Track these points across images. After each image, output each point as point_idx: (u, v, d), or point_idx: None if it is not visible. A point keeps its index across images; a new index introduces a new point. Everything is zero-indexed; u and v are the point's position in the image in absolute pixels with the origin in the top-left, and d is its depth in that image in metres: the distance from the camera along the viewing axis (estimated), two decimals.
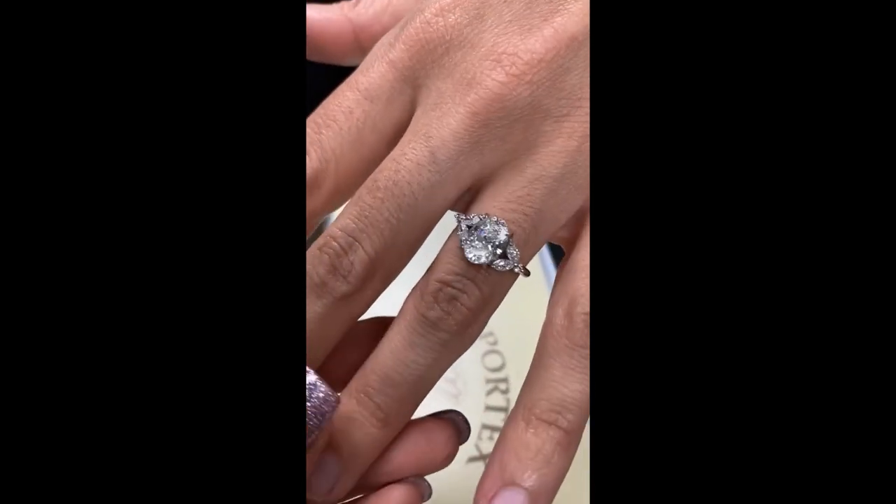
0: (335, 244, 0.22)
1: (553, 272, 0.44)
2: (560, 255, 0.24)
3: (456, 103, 0.22)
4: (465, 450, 0.39)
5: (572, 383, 0.21)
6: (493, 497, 0.22)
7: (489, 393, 0.40)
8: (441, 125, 0.22)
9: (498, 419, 0.40)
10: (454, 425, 0.25)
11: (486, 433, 0.39)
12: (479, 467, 0.38)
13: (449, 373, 0.43)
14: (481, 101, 0.22)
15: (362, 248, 0.22)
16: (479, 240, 0.22)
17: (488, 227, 0.22)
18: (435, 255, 0.23)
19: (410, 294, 0.23)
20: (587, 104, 0.22)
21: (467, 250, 0.22)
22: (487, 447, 0.39)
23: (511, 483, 0.22)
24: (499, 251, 0.21)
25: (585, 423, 0.22)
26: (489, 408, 0.40)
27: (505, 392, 0.41)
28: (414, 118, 0.23)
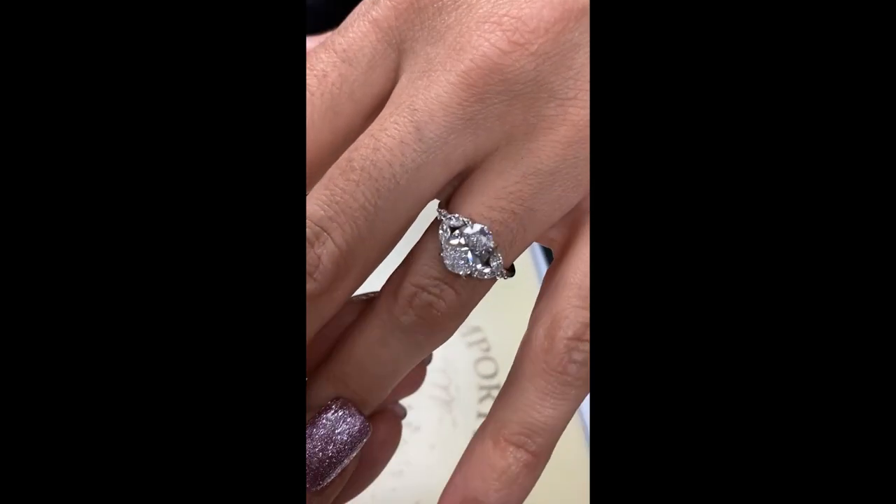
0: None
1: None
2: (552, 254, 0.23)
3: (447, 71, 0.19)
4: (457, 457, 0.38)
5: (545, 409, 0.20)
6: None
7: (482, 400, 0.40)
8: (429, 96, 0.19)
9: None
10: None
11: None
12: None
13: (441, 379, 0.43)
14: (477, 71, 0.19)
15: (332, 239, 0.19)
16: (462, 246, 0.19)
17: (471, 232, 0.19)
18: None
19: (384, 290, 0.21)
20: None
21: (447, 258, 0.19)
22: None
23: (473, 500, 0.21)
24: (480, 262, 0.19)
25: (555, 444, 0.21)
26: (482, 415, 0.40)
27: None
28: (397, 87, 0.20)
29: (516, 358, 0.21)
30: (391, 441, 0.24)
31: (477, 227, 0.19)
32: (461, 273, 0.19)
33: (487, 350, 0.41)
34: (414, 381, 0.26)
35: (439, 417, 0.40)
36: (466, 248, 0.19)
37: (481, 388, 0.40)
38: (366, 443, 0.21)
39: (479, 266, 0.19)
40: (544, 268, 0.44)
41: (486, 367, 0.41)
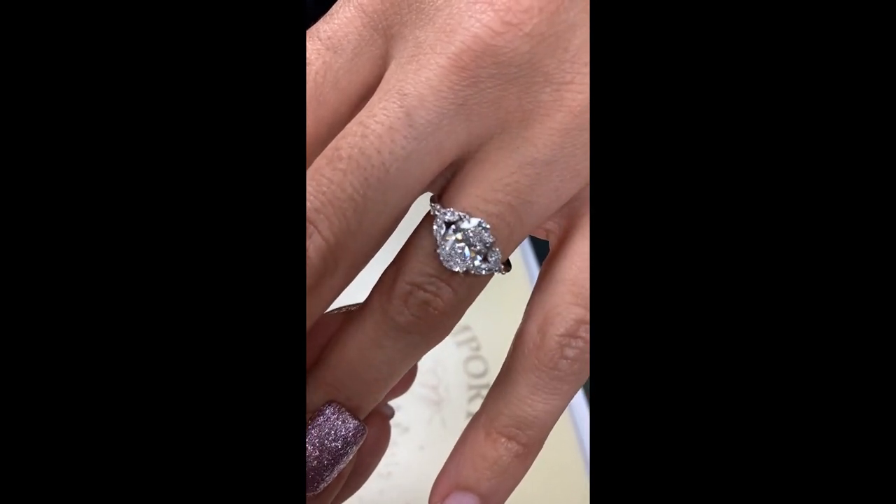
0: None
1: (537, 272, 0.44)
2: (544, 252, 0.22)
3: (437, 54, 0.18)
4: (446, 457, 0.38)
5: (537, 403, 0.20)
6: (445, 498, 0.21)
7: (471, 399, 0.40)
8: (419, 80, 0.18)
9: None
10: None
11: None
12: None
13: (431, 379, 0.43)
14: (469, 53, 0.18)
15: (319, 232, 0.18)
16: (459, 242, 0.19)
17: (468, 227, 0.18)
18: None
19: (377, 289, 0.20)
20: None
21: (443, 254, 0.19)
22: None
23: (465, 488, 0.21)
24: (479, 257, 0.19)
25: (546, 437, 0.21)
26: (471, 415, 0.39)
27: None
28: (387, 73, 0.19)
29: (509, 352, 0.21)
30: (380, 444, 0.24)
31: (475, 221, 0.18)
32: (458, 270, 0.19)
33: (477, 349, 0.41)
34: (404, 382, 0.25)
35: (428, 418, 0.39)
36: (464, 244, 0.19)
37: (471, 387, 0.40)
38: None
39: (476, 262, 0.19)
40: (534, 265, 0.44)
41: (476, 367, 0.41)
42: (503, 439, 0.21)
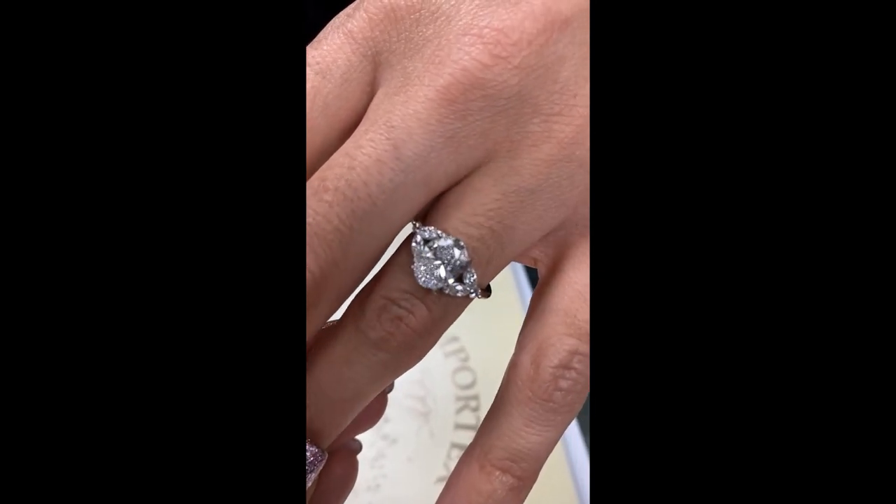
0: None
1: (526, 287, 0.44)
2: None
3: (425, 86, 0.18)
4: (435, 470, 0.38)
5: (531, 435, 0.20)
6: None
7: (459, 411, 0.40)
8: (407, 112, 0.18)
9: (468, 437, 0.39)
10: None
11: (456, 452, 0.38)
12: None
13: (419, 391, 0.42)
14: (458, 86, 0.18)
15: (305, 265, 0.18)
16: (433, 259, 0.18)
17: (444, 245, 0.18)
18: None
19: (351, 304, 0.20)
20: (581, 102, 0.18)
21: (417, 270, 0.18)
22: None
23: None
24: (453, 277, 0.18)
25: (540, 469, 0.21)
26: (459, 426, 0.39)
27: (475, 410, 0.40)
28: (373, 102, 0.19)
29: (502, 383, 0.21)
30: (347, 482, 0.23)
31: (450, 239, 0.18)
32: (432, 288, 0.18)
33: (465, 360, 0.41)
34: (371, 416, 0.25)
35: (416, 429, 0.39)
36: (439, 262, 0.18)
37: (458, 398, 0.40)
38: (320, 476, 0.20)
39: (451, 281, 0.18)
40: (523, 277, 0.44)
41: (464, 378, 0.40)
42: (497, 472, 0.20)
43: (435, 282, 0.18)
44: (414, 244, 0.19)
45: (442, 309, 0.19)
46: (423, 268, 0.18)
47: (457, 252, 0.18)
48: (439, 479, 0.38)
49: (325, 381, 0.19)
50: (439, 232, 0.18)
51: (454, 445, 0.39)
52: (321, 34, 0.20)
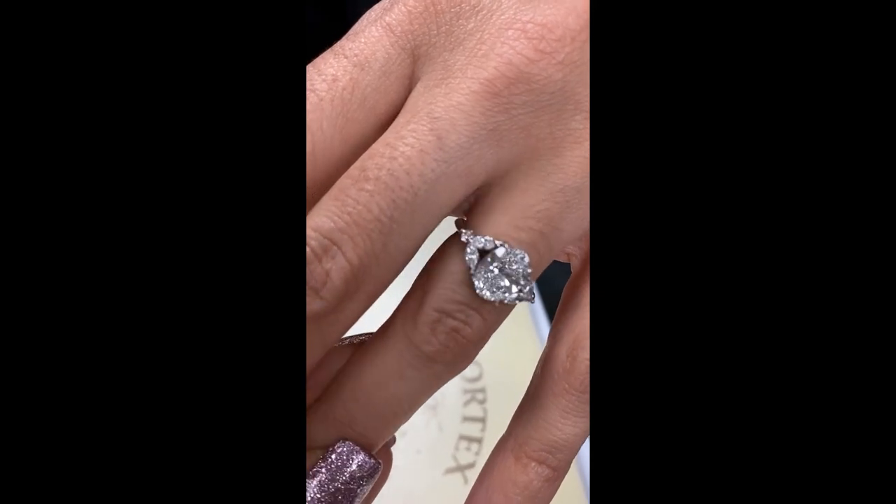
0: (306, 248, 0.17)
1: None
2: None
3: (468, 78, 0.18)
4: (443, 461, 0.39)
5: (567, 426, 0.20)
6: None
7: (466, 403, 0.40)
8: (449, 104, 0.18)
9: (475, 430, 0.40)
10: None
11: (464, 444, 0.39)
12: (457, 478, 0.38)
13: None
14: (502, 79, 0.18)
15: (343, 254, 0.17)
16: (495, 271, 0.18)
17: (509, 258, 0.18)
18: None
19: (399, 315, 0.19)
20: None
21: (479, 283, 0.18)
22: (465, 458, 0.39)
23: None
24: (516, 286, 0.18)
25: (573, 458, 0.21)
26: (466, 418, 0.40)
27: (482, 402, 0.41)
28: (413, 94, 0.19)
29: (536, 374, 0.21)
30: (384, 474, 0.24)
31: (519, 253, 0.18)
32: (494, 299, 0.18)
33: None
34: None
35: (425, 422, 0.39)
36: (501, 274, 0.18)
37: (465, 391, 0.40)
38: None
39: (512, 291, 0.18)
40: None
41: (471, 370, 0.41)
42: (534, 464, 0.20)
43: (500, 293, 0.18)
44: (469, 254, 0.18)
45: (496, 316, 0.19)
46: (484, 279, 0.18)
47: (521, 262, 0.18)
48: (448, 471, 0.39)
49: (374, 396, 0.19)
50: (498, 242, 0.18)
51: (462, 437, 0.40)
52: (356, 27, 0.20)
